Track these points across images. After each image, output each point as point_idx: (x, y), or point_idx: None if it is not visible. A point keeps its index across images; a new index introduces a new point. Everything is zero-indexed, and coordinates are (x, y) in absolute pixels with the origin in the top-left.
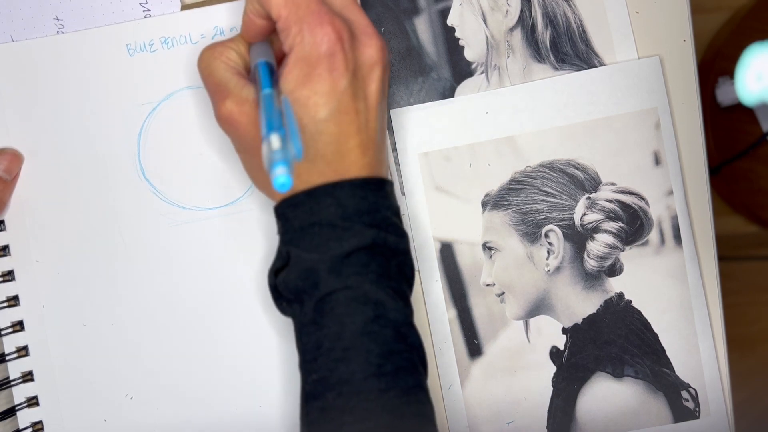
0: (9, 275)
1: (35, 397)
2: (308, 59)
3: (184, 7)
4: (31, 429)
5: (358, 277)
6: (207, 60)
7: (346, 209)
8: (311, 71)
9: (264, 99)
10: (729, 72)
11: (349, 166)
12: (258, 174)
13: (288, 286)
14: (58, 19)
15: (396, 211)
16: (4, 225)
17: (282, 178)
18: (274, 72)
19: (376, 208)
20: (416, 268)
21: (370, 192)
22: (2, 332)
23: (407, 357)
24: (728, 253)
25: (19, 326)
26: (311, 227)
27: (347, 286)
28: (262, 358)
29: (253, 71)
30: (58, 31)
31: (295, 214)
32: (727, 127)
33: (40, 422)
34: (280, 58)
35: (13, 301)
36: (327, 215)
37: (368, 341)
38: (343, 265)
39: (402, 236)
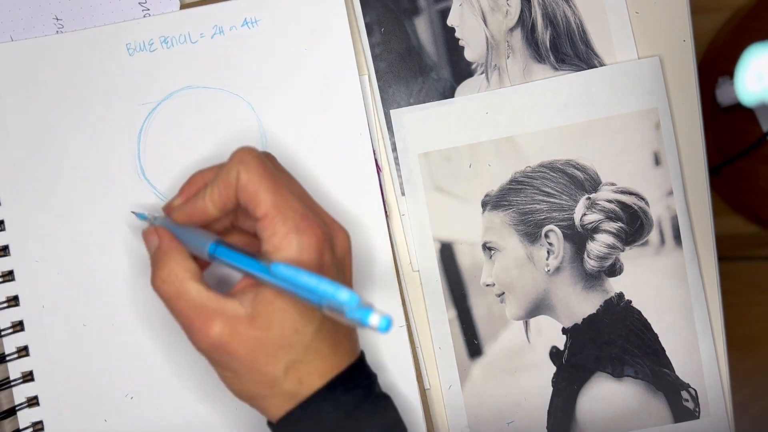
0: (9, 275)
1: (35, 397)
2: (298, 261)
3: (183, 6)
4: (31, 429)
5: None
6: (176, 281)
7: (346, 406)
8: None
9: (278, 277)
10: (729, 72)
11: (342, 356)
12: (251, 389)
13: None
14: (57, 19)
15: (373, 374)
16: (4, 225)
17: (383, 322)
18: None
19: (369, 390)
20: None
21: (360, 377)
22: (2, 332)
23: None
24: (728, 253)
25: (19, 326)
26: None
27: None
28: None
29: (210, 257)
30: (57, 31)
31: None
32: (727, 127)
33: (41, 422)
34: None
35: (13, 301)
36: (331, 421)
37: None
38: None
39: (391, 402)
